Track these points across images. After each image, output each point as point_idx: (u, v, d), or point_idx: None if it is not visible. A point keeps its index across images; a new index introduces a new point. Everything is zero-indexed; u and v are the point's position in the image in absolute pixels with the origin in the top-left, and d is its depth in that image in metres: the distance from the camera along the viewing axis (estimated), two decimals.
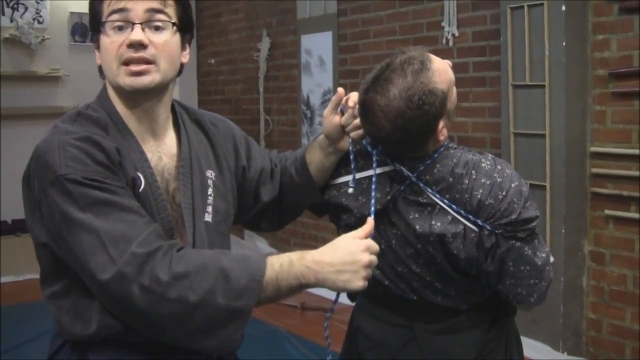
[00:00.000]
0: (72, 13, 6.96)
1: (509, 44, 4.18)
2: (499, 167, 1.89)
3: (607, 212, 3.97)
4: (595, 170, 4.01)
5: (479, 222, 1.84)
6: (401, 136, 1.82)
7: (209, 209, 1.83)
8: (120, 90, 1.72)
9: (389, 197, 1.92)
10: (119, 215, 1.55)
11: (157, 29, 1.69)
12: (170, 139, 1.83)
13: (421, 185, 1.89)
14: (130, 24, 1.66)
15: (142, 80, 1.68)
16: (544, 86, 3.99)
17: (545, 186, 4.01)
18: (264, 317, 4.91)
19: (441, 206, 1.88)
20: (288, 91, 6.51)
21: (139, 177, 1.68)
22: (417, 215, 1.90)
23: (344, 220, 2.01)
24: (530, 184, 4.06)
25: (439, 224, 1.86)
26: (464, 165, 1.89)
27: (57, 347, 1.75)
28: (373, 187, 1.91)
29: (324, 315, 4.94)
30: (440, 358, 1.98)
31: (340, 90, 1.98)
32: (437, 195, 1.88)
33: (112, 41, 1.67)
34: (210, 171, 1.88)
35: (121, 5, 1.66)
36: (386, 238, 1.96)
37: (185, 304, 1.50)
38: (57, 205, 1.55)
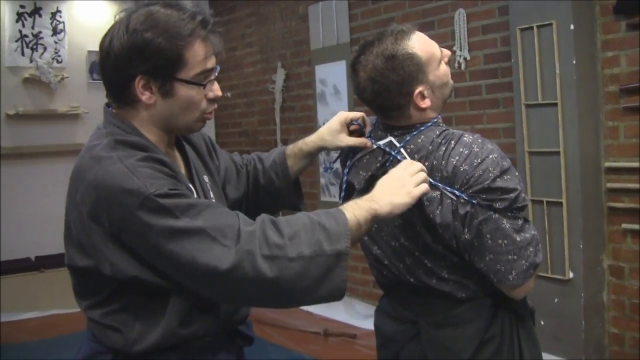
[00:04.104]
0: (89, 52, 7.09)
1: (520, 64, 4.24)
2: (479, 141, 1.97)
3: (625, 226, 3.99)
4: (610, 185, 4.05)
5: (456, 192, 1.91)
6: (374, 87, 2.00)
7: None
8: (175, 130, 1.85)
9: (378, 165, 2.06)
10: (210, 212, 1.64)
11: None
12: (176, 152, 1.94)
13: (404, 153, 2.01)
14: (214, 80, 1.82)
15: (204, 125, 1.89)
16: (556, 104, 4.04)
17: (561, 203, 4.04)
18: (287, 344, 4.94)
19: None
20: (304, 121, 6.59)
21: (190, 187, 1.80)
22: None
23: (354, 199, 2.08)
24: (547, 202, 4.11)
25: None
26: (445, 135, 2.00)
27: None
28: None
29: (347, 341, 4.96)
30: (439, 353, 2.03)
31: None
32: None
33: (199, 93, 1.78)
34: (205, 176, 1.99)
35: (214, 62, 1.81)
36: None
37: (304, 259, 1.63)
38: (151, 225, 1.59)
